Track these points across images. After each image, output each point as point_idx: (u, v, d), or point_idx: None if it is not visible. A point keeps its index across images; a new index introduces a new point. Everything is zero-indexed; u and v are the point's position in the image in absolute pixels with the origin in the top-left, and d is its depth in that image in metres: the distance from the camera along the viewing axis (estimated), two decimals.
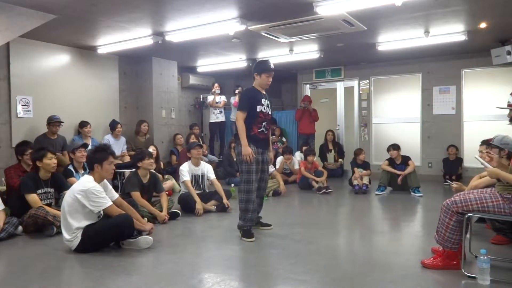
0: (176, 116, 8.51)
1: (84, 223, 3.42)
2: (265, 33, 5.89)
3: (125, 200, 3.85)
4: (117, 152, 6.68)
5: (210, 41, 6.54)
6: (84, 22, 5.42)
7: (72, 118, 6.67)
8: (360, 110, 9.10)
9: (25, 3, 4.56)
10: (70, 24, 5.48)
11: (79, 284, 2.92)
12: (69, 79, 6.82)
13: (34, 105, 6.26)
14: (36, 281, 2.84)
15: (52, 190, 4.41)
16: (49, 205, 4.31)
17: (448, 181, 5.14)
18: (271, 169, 6.51)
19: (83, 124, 6.65)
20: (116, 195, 3.70)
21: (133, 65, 7.92)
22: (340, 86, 9.58)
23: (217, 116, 8.91)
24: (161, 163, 6.94)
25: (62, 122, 6.13)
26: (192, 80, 9.20)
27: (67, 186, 4.32)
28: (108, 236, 3.47)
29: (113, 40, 6.38)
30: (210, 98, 8.90)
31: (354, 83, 9.19)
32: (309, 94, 9.52)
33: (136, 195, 4.48)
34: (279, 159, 7.72)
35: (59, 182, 4.48)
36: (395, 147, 6.64)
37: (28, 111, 6.21)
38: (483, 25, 5.80)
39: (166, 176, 6.73)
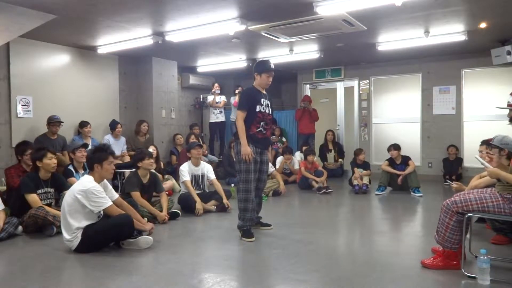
0: (176, 116, 8.51)
1: (84, 223, 3.42)
2: (265, 33, 5.89)
3: (125, 200, 3.85)
4: (117, 152, 6.69)
5: (210, 41, 6.54)
6: (84, 22, 5.41)
7: (72, 118, 6.67)
8: (360, 110, 9.10)
9: (25, 3, 4.56)
10: (70, 24, 5.48)
11: (79, 284, 2.92)
12: (69, 79, 6.82)
13: (34, 105, 6.26)
14: (36, 281, 2.84)
15: (52, 190, 4.41)
16: (49, 205, 4.31)
17: (448, 181, 5.14)
18: (271, 169, 6.51)
19: (83, 124, 6.65)
20: (116, 195, 3.70)
21: (133, 65, 7.92)
22: (340, 86, 9.58)
23: (217, 116, 8.91)
24: (161, 163, 6.94)
25: (62, 122, 6.13)
26: (192, 80, 9.20)
27: (67, 186, 4.32)
28: (108, 236, 3.47)
29: (113, 40, 6.38)
30: (210, 98, 8.90)
31: (354, 83, 9.19)
32: (309, 94, 9.52)
33: (136, 195, 4.48)
34: (279, 159, 7.72)
35: (59, 182, 4.48)
36: (396, 147, 6.64)
37: (28, 111, 6.21)
38: (483, 25, 5.80)
39: (166, 176, 6.73)
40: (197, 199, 4.97)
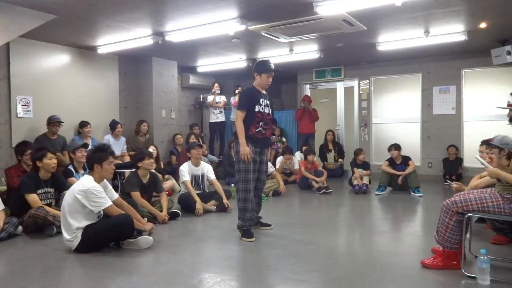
0: (176, 116, 8.51)
1: (84, 223, 3.42)
2: (265, 33, 5.89)
3: (125, 200, 3.85)
4: (117, 152, 6.69)
5: (210, 41, 6.54)
6: (84, 22, 5.41)
7: (72, 118, 6.67)
8: (360, 110, 9.10)
9: (25, 3, 4.56)
10: (70, 24, 5.48)
11: (79, 284, 2.92)
12: (69, 79, 6.82)
13: (34, 105, 6.26)
14: (36, 281, 2.85)
15: (52, 190, 4.41)
16: (49, 205, 4.31)
17: (448, 181, 5.14)
18: (271, 169, 6.51)
19: (83, 124, 6.65)
20: (116, 195, 3.70)
21: (133, 65, 7.92)
22: (340, 86, 9.58)
23: (217, 116, 8.92)
24: (161, 163, 6.94)
25: (62, 122, 6.13)
26: (192, 80, 9.20)
27: (67, 186, 4.32)
28: (108, 236, 3.47)
29: (113, 40, 6.38)
30: (210, 98, 8.90)
31: (354, 83, 9.19)
32: (309, 94, 9.52)
33: (136, 195, 4.47)
34: (279, 159, 7.72)
35: (59, 182, 4.48)
36: (397, 147, 6.64)
37: (28, 111, 6.21)
38: (483, 25, 5.80)
39: (166, 176, 6.73)
40: (197, 199, 4.97)
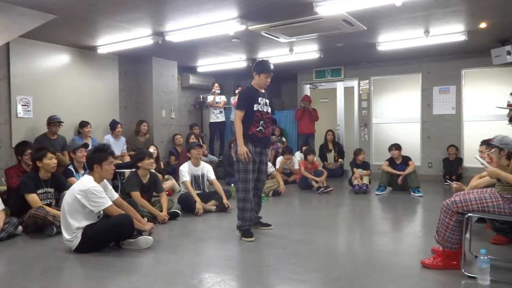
0: (176, 116, 8.51)
1: (84, 223, 3.42)
2: (265, 33, 5.89)
3: (125, 200, 3.85)
4: (117, 152, 6.69)
5: (210, 41, 6.54)
6: (84, 22, 5.41)
7: (72, 118, 6.67)
8: (360, 110, 9.10)
9: (25, 3, 4.56)
10: (70, 24, 5.48)
11: (79, 284, 2.92)
12: (69, 79, 6.82)
13: (34, 105, 6.26)
14: (36, 281, 2.84)
15: (52, 190, 4.41)
16: (49, 205, 4.31)
17: (448, 181, 5.14)
18: (271, 169, 6.51)
19: (83, 124, 6.65)
20: (116, 195, 3.70)
21: (133, 65, 7.92)
22: (340, 86, 9.58)
23: (217, 116, 8.92)
24: (161, 163, 6.94)
25: (62, 122, 6.13)
26: (192, 80, 9.20)
27: (67, 186, 4.32)
28: (108, 236, 3.47)
29: (113, 40, 6.38)
30: (210, 98, 8.91)
31: (354, 83, 9.18)
32: (309, 94, 9.52)
33: (136, 195, 4.47)
34: (279, 159, 7.72)
35: (59, 182, 4.48)
36: (397, 147, 6.65)
37: (28, 111, 6.21)
38: (483, 25, 5.80)
39: (166, 176, 6.73)
40: (197, 199, 4.97)
